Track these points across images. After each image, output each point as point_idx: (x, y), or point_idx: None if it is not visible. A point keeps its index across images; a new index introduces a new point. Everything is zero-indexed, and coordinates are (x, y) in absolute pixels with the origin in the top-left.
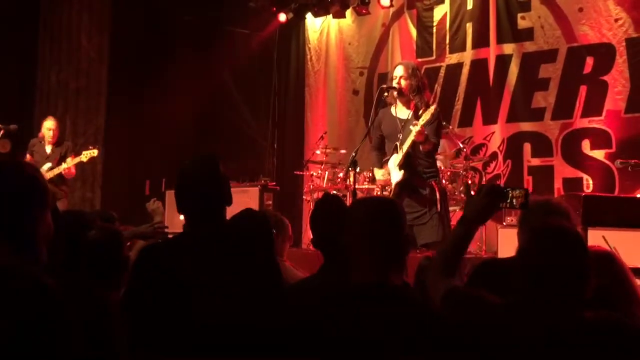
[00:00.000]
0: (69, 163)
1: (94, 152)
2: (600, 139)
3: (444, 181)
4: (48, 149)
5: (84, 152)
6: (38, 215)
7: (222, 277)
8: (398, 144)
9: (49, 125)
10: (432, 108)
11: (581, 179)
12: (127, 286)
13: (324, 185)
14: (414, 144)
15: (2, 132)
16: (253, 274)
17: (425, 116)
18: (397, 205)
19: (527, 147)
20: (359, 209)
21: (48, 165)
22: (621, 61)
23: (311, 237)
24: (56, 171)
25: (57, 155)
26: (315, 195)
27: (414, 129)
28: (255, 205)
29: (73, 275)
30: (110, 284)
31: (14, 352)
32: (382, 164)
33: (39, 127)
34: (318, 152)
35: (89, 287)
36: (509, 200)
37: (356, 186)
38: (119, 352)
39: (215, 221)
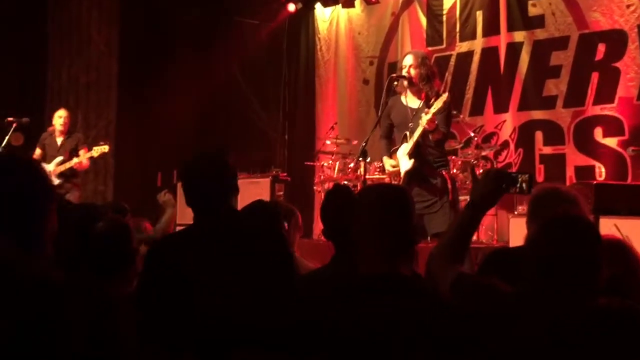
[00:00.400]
0: (81, 157)
1: (105, 148)
2: (612, 126)
3: (454, 170)
4: (59, 141)
5: (94, 148)
6: (44, 211)
7: (233, 270)
8: (408, 133)
9: (60, 114)
10: (445, 96)
11: (593, 167)
12: (139, 279)
13: (335, 176)
14: (424, 133)
15: (15, 125)
16: (265, 266)
17: (437, 104)
18: (406, 193)
19: (538, 136)
20: (368, 197)
21: (60, 158)
22: (633, 47)
23: (322, 227)
24: (67, 165)
25: (69, 148)
26: (326, 186)
27: (425, 117)
28: (266, 196)
29: (79, 270)
30: (117, 277)
31: (15, 346)
32: (391, 153)
33: (50, 122)
34: (328, 142)
35: (95, 282)
36: (518, 185)
37: (367, 176)
38: (123, 346)
39: (221, 215)
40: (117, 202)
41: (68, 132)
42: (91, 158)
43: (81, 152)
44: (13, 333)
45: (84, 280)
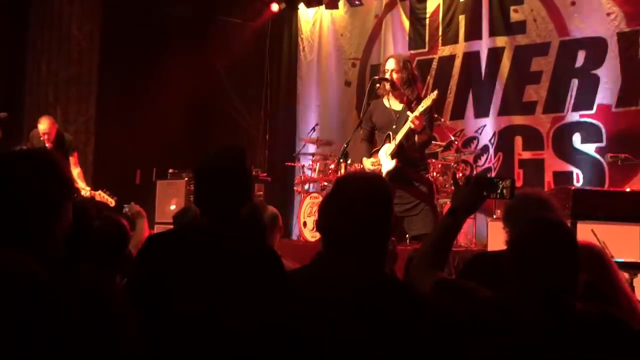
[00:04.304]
0: (84, 189)
1: (112, 202)
2: (590, 133)
3: (434, 173)
4: (48, 146)
5: (99, 192)
6: (57, 207)
7: (223, 274)
8: (391, 133)
9: (42, 130)
10: (434, 94)
11: (571, 172)
12: (129, 275)
13: (315, 177)
14: (408, 135)
15: None
16: (256, 271)
17: (426, 102)
18: (387, 185)
19: (518, 141)
20: (347, 189)
21: None
22: (613, 55)
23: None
24: None
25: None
26: (306, 187)
27: (412, 115)
28: None
29: (72, 265)
30: (111, 274)
31: (7, 343)
32: (371, 154)
33: (29, 117)
34: (309, 143)
35: (90, 277)
36: (499, 191)
37: None
38: (121, 344)
39: (232, 220)
40: (91, 199)
41: (56, 139)
42: (92, 195)
43: (81, 183)
44: (5, 331)
45: (79, 276)
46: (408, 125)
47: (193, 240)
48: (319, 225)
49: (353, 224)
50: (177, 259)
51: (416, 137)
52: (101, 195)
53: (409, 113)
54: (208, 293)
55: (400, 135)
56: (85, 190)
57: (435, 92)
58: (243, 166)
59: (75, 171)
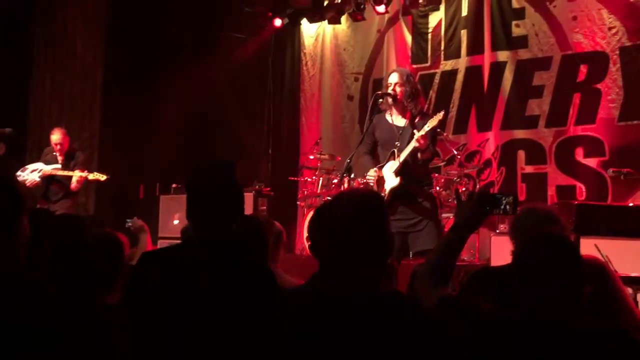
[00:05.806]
0: (76, 175)
1: (102, 177)
2: (593, 147)
3: (437, 188)
4: (59, 159)
5: (93, 172)
6: (12, 221)
7: (220, 289)
8: (396, 151)
9: (55, 140)
10: (440, 114)
11: (574, 186)
12: (124, 291)
13: (318, 191)
14: (412, 153)
15: None
16: (249, 284)
17: (432, 122)
18: (381, 202)
19: (521, 155)
20: (340, 208)
21: (57, 165)
22: (615, 69)
23: (309, 243)
24: (64, 173)
25: (69, 166)
26: (309, 201)
27: (418, 134)
28: (249, 211)
29: (68, 280)
30: (104, 290)
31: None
32: (374, 166)
33: (33, 132)
34: (312, 157)
35: (84, 292)
36: (502, 207)
37: None
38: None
39: (225, 233)
40: (92, 216)
41: (69, 150)
42: (86, 179)
43: (76, 171)
44: (6, 337)
45: (74, 290)
46: (413, 144)
47: (185, 256)
48: (310, 245)
49: (344, 242)
50: (169, 275)
51: (420, 155)
52: (95, 175)
53: (415, 132)
54: (199, 309)
55: (404, 154)
56: (77, 175)
57: (442, 112)
58: (233, 180)
59: (81, 173)
